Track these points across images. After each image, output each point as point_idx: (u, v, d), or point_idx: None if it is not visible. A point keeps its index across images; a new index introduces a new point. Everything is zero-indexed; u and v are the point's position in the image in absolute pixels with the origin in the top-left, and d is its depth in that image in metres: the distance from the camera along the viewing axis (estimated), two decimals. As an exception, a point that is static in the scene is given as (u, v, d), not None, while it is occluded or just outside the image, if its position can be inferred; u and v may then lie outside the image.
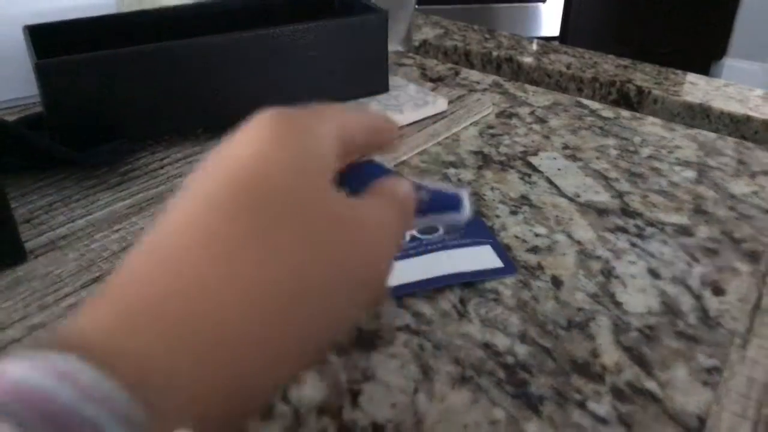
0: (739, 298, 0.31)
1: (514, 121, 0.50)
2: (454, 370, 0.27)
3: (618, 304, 0.31)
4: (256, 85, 0.45)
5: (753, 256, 0.34)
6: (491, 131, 0.48)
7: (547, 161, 0.44)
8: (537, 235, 0.36)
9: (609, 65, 0.64)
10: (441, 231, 0.35)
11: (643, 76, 0.61)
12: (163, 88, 0.43)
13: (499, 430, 0.24)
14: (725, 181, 0.42)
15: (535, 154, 0.45)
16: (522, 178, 0.42)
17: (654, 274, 0.33)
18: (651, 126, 0.50)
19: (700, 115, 0.56)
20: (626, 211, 0.38)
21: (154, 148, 0.45)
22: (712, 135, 0.48)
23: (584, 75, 0.62)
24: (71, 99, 0.40)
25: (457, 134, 0.48)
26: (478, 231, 0.36)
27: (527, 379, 0.27)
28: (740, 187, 0.41)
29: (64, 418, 0.11)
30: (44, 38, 0.44)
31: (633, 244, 0.35)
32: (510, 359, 0.28)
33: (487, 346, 0.28)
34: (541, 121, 0.50)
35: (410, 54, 0.65)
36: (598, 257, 0.34)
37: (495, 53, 0.68)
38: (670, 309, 0.31)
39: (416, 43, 0.72)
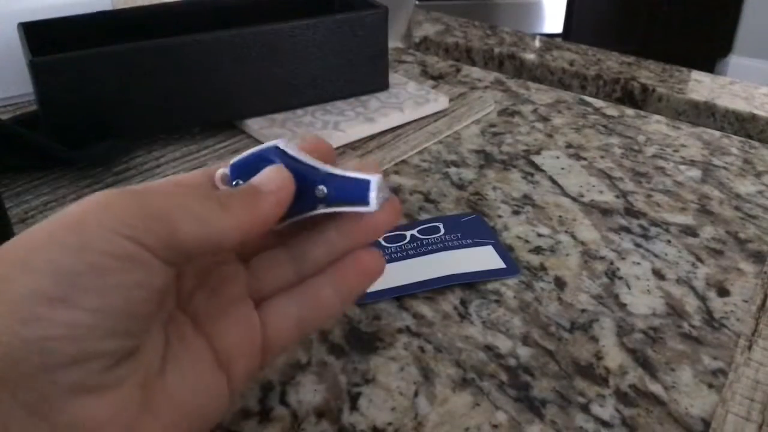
0: (744, 299, 0.31)
1: (516, 119, 0.50)
2: (455, 372, 0.27)
3: (622, 306, 0.30)
4: (255, 82, 0.45)
5: (758, 257, 0.34)
6: (493, 129, 0.48)
7: (550, 160, 0.44)
8: (540, 235, 0.36)
9: (613, 62, 0.63)
10: (442, 231, 0.35)
11: (647, 73, 0.61)
12: (159, 86, 0.42)
13: (500, 435, 0.24)
14: (730, 181, 0.41)
15: (537, 152, 0.45)
16: (524, 178, 0.41)
17: (658, 274, 0.32)
18: (655, 124, 0.49)
19: (705, 114, 0.55)
20: (630, 211, 0.38)
21: (150, 147, 0.44)
22: (718, 133, 0.48)
23: (588, 72, 0.62)
24: (66, 97, 0.40)
25: (458, 133, 0.47)
26: (479, 231, 0.35)
27: (529, 381, 0.26)
28: (746, 186, 0.41)
29: None
30: (39, 36, 0.43)
31: (637, 245, 0.35)
32: (512, 361, 0.27)
33: (488, 348, 0.28)
34: (544, 119, 0.50)
35: (411, 51, 0.65)
36: (602, 258, 0.34)
37: (497, 50, 0.67)
38: (674, 310, 0.30)
39: (416, 40, 0.72)
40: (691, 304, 0.31)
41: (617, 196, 0.39)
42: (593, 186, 0.41)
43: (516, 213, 0.38)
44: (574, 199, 0.39)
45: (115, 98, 0.41)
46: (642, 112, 0.51)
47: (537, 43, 0.69)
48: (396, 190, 0.40)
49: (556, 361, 0.27)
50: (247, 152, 0.21)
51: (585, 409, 0.25)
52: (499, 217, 0.37)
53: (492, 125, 0.49)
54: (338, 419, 0.24)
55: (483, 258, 0.33)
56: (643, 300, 0.31)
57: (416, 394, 0.26)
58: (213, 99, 0.44)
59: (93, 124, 0.41)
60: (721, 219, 0.37)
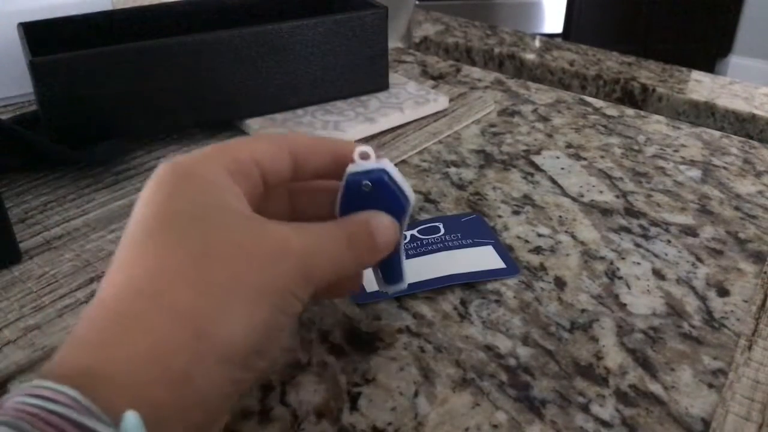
0: (744, 299, 0.31)
1: (516, 119, 0.50)
2: (455, 372, 0.27)
3: (622, 306, 0.30)
4: (254, 82, 0.45)
5: (758, 257, 0.34)
6: (493, 129, 0.48)
7: (550, 160, 0.44)
8: (540, 235, 0.36)
9: (613, 62, 0.63)
10: (442, 231, 0.35)
11: (647, 73, 0.61)
12: (159, 86, 0.42)
13: (500, 435, 0.24)
14: (730, 181, 0.41)
15: (537, 152, 0.45)
16: (524, 178, 0.41)
17: (658, 275, 0.32)
18: (655, 124, 0.49)
19: (705, 114, 0.55)
20: (630, 211, 0.38)
21: (150, 147, 0.44)
22: (717, 133, 0.48)
23: (588, 72, 0.62)
24: (66, 97, 0.40)
25: (458, 133, 0.47)
26: (479, 231, 0.35)
27: (529, 381, 0.26)
28: (746, 186, 0.41)
29: (49, 418, 0.16)
30: (39, 36, 0.43)
31: (637, 245, 0.35)
32: (512, 361, 0.27)
33: (488, 348, 0.28)
34: (544, 119, 0.50)
35: (410, 51, 0.65)
36: (602, 258, 0.34)
37: (497, 50, 0.67)
38: (674, 310, 0.30)
39: (416, 40, 0.72)
40: (691, 304, 0.31)
41: (617, 196, 0.39)
42: (593, 186, 0.40)
43: (516, 213, 0.38)
44: (574, 199, 0.39)
45: (115, 98, 0.41)
46: (642, 112, 0.51)
47: (537, 43, 0.69)
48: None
49: (556, 361, 0.27)
50: (371, 163, 0.25)
51: (585, 409, 0.25)
52: (499, 217, 0.37)
53: (492, 125, 0.49)
54: (338, 419, 0.24)
55: (483, 258, 0.33)
56: (643, 300, 0.31)
57: (416, 394, 0.26)
58: (213, 99, 0.44)
59: (93, 124, 0.41)
60: (721, 219, 0.37)
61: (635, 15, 2.25)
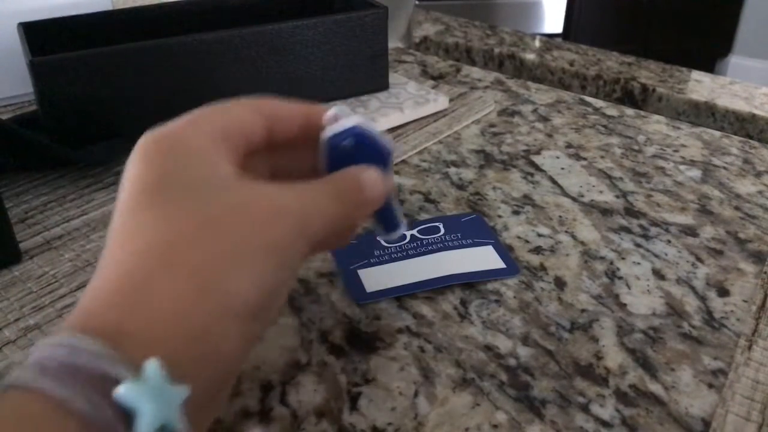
0: (744, 299, 0.31)
1: (516, 119, 0.50)
2: (455, 372, 0.27)
3: (622, 306, 0.30)
4: (255, 82, 0.45)
5: (758, 257, 0.34)
6: (493, 129, 0.48)
7: (550, 160, 0.44)
8: (540, 235, 0.36)
9: (613, 62, 0.63)
10: (442, 231, 0.35)
11: (647, 73, 0.61)
12: (159, 86, 0.42)
13: (500, 435, 0.24)
14: (730, 181, 0.41)
15: (537, 152, 0.45)
16: (524, 178, 0.41)
17: (658, 275, 0.32)
18: (655, 124, 0.49)
19: (705, 114, 0.55)
20: (630, 211, 0.38)
21: (151, 147, 0.44)
22: (718, 133, 0.48)
23: (588, 72, 0.62)
24: (66, 97, 0.40)
25: (458, 133, 0.47)
26: (479, 231, 0.35)
27: (529, 381, 0.26)
28: (746, 186, 0.41)
29: (78, 367, 0.17)
30: (38, 36, 0.43)
31: (637, 245, 0.35)
32: (512, 361, 0.27)
33: (488, 348, 0.28)
34: (544, 119, 0.50)
35: (410, 51, 0.65)
36: (602, 258, 0.34)
37: (497, 50, 0.67)
38: (674, 310, 0.30)
39: (416, 40, 0.72)
40: (691, 304, 0.31)
41: (617, 196, 0.39)
42: (593, 186, 0.40)
43: (516, 213, 0.38)
44: (574, 199, 0.39)
45: (115, 98, 0.41)
46: (642, 112, 0.51)
47: (537, 43, 0.69)
48: (396, 190, 0.40)
49: (556, 361, 0.27)
50: (345, 122, 0.26)
51: (585, 409, 0.25)
52: (499, 217, 0.37)
53: (492, 125, 0.49)
54: (338, 419, 0.24)
55: (483, 258, 0.33)
56: (643, 300, 0.31)
57: (416, 394, 0.25)
58: (213, 99, 0.44)
59: (93, 124, 0.41)
60: (721, 219, 0.37)
61: (635, 15, 2.25)
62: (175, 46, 0.41)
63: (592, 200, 0.39)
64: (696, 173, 0.42)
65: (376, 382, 0.26)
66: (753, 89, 0.57)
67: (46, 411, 0.16)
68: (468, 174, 0.42)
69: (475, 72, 0.59)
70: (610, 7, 2.29)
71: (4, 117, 0.47)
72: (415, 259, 0.33)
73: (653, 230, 0.36)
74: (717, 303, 0.31)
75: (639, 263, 0.33)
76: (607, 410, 0.25)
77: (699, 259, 0.34)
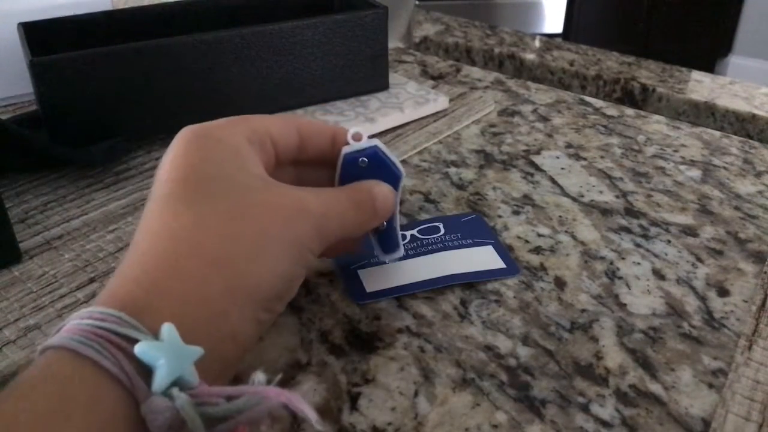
0: (744, 299, 0.31)
1: (516, 119, 0.50)
2: (455, 372, 0.27)
3: (622, 306, 0.30)
4: (255, 82, 0.45)
5: (758, 257, 0.34)
6: (493, 129, 0.48)
7: (550, 160, 0.44)
8: (540, 235, 0.36)
9: (613, 62, 0.64)
10: (442, 231, 0.35)
11: (647, 73, 0.61)
12: (159, 86, 0.42)
13: (500, 435, 0.24)
14: (730, 181, 0.41)
15: (537, 152, 0.45)
16: (524, 178, 0.41)
17: (658, 275, 0.32)
18: (655, 124, 0.49)
19: (705, 114, 0.55)
20: (630, 211, 0.38)
21: (150, 147, 0.44)
22: (718, 133, 0.48)
23: (588, 72, 0.62)
24: (66, 97, 0.40)
25: (458, 133, 0.47)
26: (479, 231, 0.35)
27: (529, 381, 0.26)
28: (746, 186, 0.41)
29: (107, 335, 0.18)
30: (39, 35, 0.43)
31: (637, 245, 0.35)
32: (512, 361, 0.27)
33: (488, 348, 0.28)
34: (544, 119, 0.50)
35: (411, 51, 0.65)
36: (602, 258, 0.34)
37: (497, 50, 0.67)
38: (674, 310, 0.30)
39: (417, 40, 0.72)
40: (691, 304, 0.31)
41: (617, 196, 0.39)
42: (593, 186, 0.40)
43: (516, 213, 0.38)
44: (574, 199, 0.39)
45: (115, 98, 0.41)
46: (642, 112, 0.51)
47: (537, 43, 0.69)
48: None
49: (556, 361, 0.27)
50: (364, 142, 0.28)
51: (585, 409, 0.25)
52: (499, 217, 0.37)
53: (492, 125, 0.49)
54: (338, 419, 0.24)
55: (483, 258, 0.33)
56: (643, 300, 0.31)
57: (416, 394, 0.26)
58: (213, 99, 0.44)
59: (93, 124, 0.41)
60: (721, 219, 0.37)
61: (635, 15, 2.25)
62: (175, 46, 0.41)
63: (592, 200, 0.39)
64: (696, 173, 0.42)
65: (376, 382, 0.26)
66: (753, 89, 0.57)
67: (78, 368, 0.17)
68: (468, 174, 0.42)
69: (475, 72, 0.59)
70: (610, 7, 2.29)
71: (4, 117, 0.47)
72: (415, 259, 0.33)
73: (653, 230, 0.36)
74: (717, 303, 0.31)
75: (639, 263, 0.33)
76: (607, 410, 0.25)
77: (699, 259, 0.34)
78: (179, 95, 0.43)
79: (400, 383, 0.26)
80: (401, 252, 0.30)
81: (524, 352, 0.28)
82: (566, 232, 0.36)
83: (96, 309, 0.19)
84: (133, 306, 0.19)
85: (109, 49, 0.40)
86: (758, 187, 0.41)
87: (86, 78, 0.40)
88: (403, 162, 0.43)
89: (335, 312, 0.30)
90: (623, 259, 0.34)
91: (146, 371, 0.18)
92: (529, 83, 0.57)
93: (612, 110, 0.51)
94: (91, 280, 0.31)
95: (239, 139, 0.25)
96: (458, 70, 0.60)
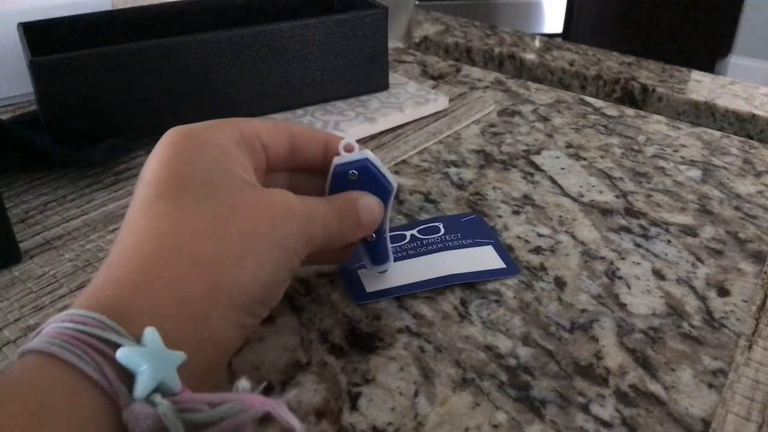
0: (744, 299, 0.31)
1: (516, 119, 0.50)
2: (455, 372, 0.27)
3: (622, 306, 0.30)
4: (254, 82, 0.45)
5: (758, 257, 0.34)
6: (493, 129, 0.48)
7: (550, 160, 0.44)
8: (540, 235, 0.36)
9: (613, 62, 0.64)
10: (442, 231, 0.35)
11: (647, 73, 0.61)
12: (159, 86, 0.42)
13: (500, 435, 0.24)
14: (730, 181, 0.41)
15: (537, 152, 0.45)
16: (524, 178, 0.41)
17: (658, 275, 0.32)
18: (655, 124, 0.49)
19: (705, 114, 0.55)
20: (630, 211, 0.38)
21: (150, 147, 0.44)
22: (718, 133, 0.48)
23: (588, 72, 0.62)
24: (66, 97, 0.40)
25: (458, 133, 0.47)
26: (479, 231, 0.35)
27: (529, 381, 0.26)
28: (746, 186, 0.41)
29: (87, 340, 0.18)
30: (38, 36, 0.43)
31: (637, 245, 0.35)
32: (512, 361, 0.27)
33: (488, 348, 0.28)
34: (544, 119, 0.50)
35: (410, 51, 0.65)
36: (602, 258, 0.34)
37: (497, 50, 0.67)
38: (674, 310, 0.30)
39: (416, 40, 0.72)
40: (691, 304, 0.31)
41: (617, 196, 0.39)
42: (593, 186, 0.40)
43: (516, 213, 0.38)
44: (574, 199, 0.39)
45: (115, 98, 0.41)
46: (642, 112, 0.51)
47: (537, 43, 0.69)
48: (396, 190, 0.40)
49: (556, 361, 0.27)
50: (356, 154, 0.28)
51: (585, 409, 0.25)
52: (499, 217, 0.37)
53: (492, 125, 0.49)
54: (338, 419, 0.24)
55: (483, 258, 0.33)
56: (643, 300, 0.31)
57: (416, 394, 0.26)
58: (213, 99, 0.44)
59: (93, 124, 0.41)
60: (721, 219, 0.37)
61: (635, 15, 2.25)
62: (175, 46, 0.41)
63: (592, 200, 0.39)
64: (696, 173, 0.42)
65: (376, 382, 0.26)
66: (753, 89, 0.57)
67: (59, 373, 0.17)
68: (468, 174, 0.42)
69: (475, 72, 0.59)
70: (610, 7, 2.29)
71: (4, 117, 0.47)
72: (415, 259, 0.33)
73: (653, 230, 0.36)
74: (717, 303, 0.31)
75: (639, 263, 0.33)
76: (607, 410, 0.25)
77: (699, 259, 0.34)
78: (179, 95, 0.43)
79: (400, 383, 0.26)
80: (390, 264, 0.30)
81: (524, 352, 0.28)
82: (566, 232, 0.36)
83: (76, 312, 0.19)
84: (115, 308, 0.19)
85: (109, 49, 0.40)
86: (758, 187, 0.41)
87: (86, 78, 0.40)
88: (403, 162, 0.43)
89: (335, 312, 0.30)
90: (623, 259, 0.34)
91: (128, 377, 0.18)
92: (529, 83, 0.57)
93: (612, 110, 0.51)
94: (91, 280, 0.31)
95: (226, 141, 0.25)
96: (458, 70, 0.60)
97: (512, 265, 0.32)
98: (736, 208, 0.38)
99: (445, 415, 0.25)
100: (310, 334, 0.29)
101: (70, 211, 0.37)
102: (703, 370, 0.27)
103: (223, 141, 0.25)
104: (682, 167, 0.43)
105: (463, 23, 0.75)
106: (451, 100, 0.51)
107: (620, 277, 0.32)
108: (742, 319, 0.30)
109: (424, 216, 0.37)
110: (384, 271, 0.31)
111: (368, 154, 0.28)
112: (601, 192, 0.40)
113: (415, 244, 0.34)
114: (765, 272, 0.33)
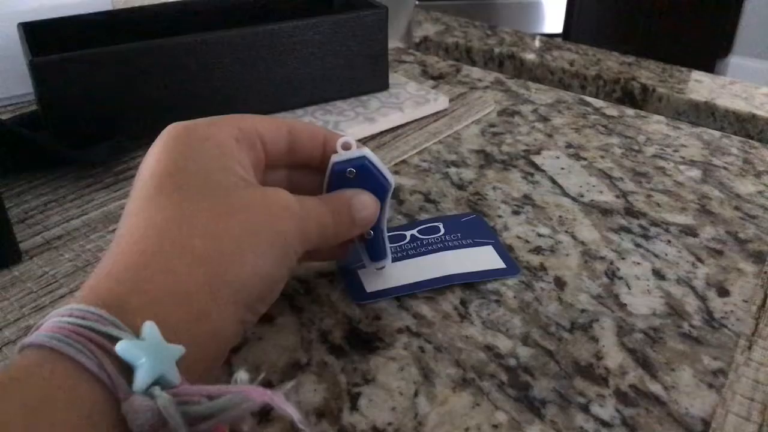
0: (744, 299, 0.31)
1: (516, 119, 0.50)
2: (455, 372, 0.27)
3: (622, 306, 0.30)
4: (255, 82, 0.45)
5: (758, 257, 0.34)
6: (493, 129, 0.48)
7: (550, 160, 0.44)
8: (540, 235, 0.36)
9: (613, 62, 0.64)
10: (442, 231, 0.35)
11: (647, 73, 0.61)
12: (159, 86, 0.42)
13: (500, 435, 0.24)
14: (730, 181, 0.41)
15: (537, 152, 0.45)
16: (524, 178, 0.41)
17: (658, 275, 0.32)
18: (655, 124, 0.49)
19: (705, 114, 0.55)
20: (630, 211, 0.38)
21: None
22: (718, 133, 0.48)
23: (588, 72, 0.62)
24: (67, 97, 0.40)
25: (458, 133, 0.47)
26: (479, 231, 0.35)
27: (529, 381, 0.26)
28: (746, 186, 0.41)
29: (86, 333, 0.18)
30: (39, 36, 0.43)
31: (637, 245, 0.35)
32: (512, 362, 0.27)
33: (488, 348, 0.28)
34: (544, 119, 0.50)
35: (411, 51, 0.65)
36: (602, 258, 0.34)
37: (497, 50, 0.67)
38: (674, 310, 0.30)
39: (417, 40, 0.72)
40: (691, 304, 0.31)
41: (617, 196, 0.39)
42: (593, 186, 0.40)
43: (516, 213, 0.38)
44: (574, 199, 0.39)
45: (115, 98, 0.41)
46: (642, 112, 0.51)
47: (537, 43, 0.69)
48: (396, 190, 0.40)
49: (556, 361, 0.27)
50: (354, 152, 0.28)
51: (585, 409, 0.25)
52: (499, 217, 0.37)
53: (492, 125, 0.49)
54: (338, 419, 0.24)
55: (483, 258, 0.33)
56: (643, 300, 0.31)
57: (416, 394, 0.26)
58: (213, 99, 0.44)
59: (93, 123, 0.41)
60: (721, 219, 0.37)
61: (635, 15, 2.25)
62: (175, 46, 0.41)
63: (592, 200, 0.39)
64: (696, 173, 0.42)
65: (376, 382, 0.26)
66: (753, 89, 0.57)
67: (58, 367, 0.17)
68: (468, 174, 0.42)
69: (475, 72, 0.59)
70: (610, 7, 2.29)
71: (4, 117, 0.47)
72: (415, 259, 0.33)
73: (653, 230, 0.36)
74: (717, 303, 0.31)
75: (639, 263, 0.33)
76: (607, 410, 0.25)
77: (699, 259, 0.34)
78: (180, 95, 0.43)
79: (400, 383, 0.26)
80: (388, 261, 0.31)
81: (524, 352, 0.28)
82: (566, 232, 0.36)
83: (76, 306, 0.19)
84: (114, 303, 0.19)
85: (109, 49, 0.40)
86: (758, 187, 0.41)
87: (86, 78, 0.40)
88: (403, 162, 0.43)
89: (335, 312, 0.30)
90: (623, 259, 0.34)
91: (127, 370, 0.18)
92: (529, 83, 0.57)
93: (612, 110, 0.51)
94: (91, 280, 0.31)
95: (225, 138, 0.25)
96: (458, 70, 0.60)
97: (512, 265, 0.32)
98: (736, 208, 0.38)
99: (445, 415, 0.25)
100: (310, 334, 0.29)
101: (70, 211, 0.37)
102: (703, 370, 0.27)
103: (223, 138, 0.25)
104: (682, 167, 0.43)
105: (463, 23, 0.75)
106: (451, 100, 0.51)
107: (620, 277, 0.32)
108: (742, 319, 0.30)
109: (424, 216, 0.37)
110: (382, 267, 0.31)
111: (366, 152, 0.28)
112: (601, 192, 0.40)
113: (415, 244, 0.34)
114: (765, 272, 0.33)
